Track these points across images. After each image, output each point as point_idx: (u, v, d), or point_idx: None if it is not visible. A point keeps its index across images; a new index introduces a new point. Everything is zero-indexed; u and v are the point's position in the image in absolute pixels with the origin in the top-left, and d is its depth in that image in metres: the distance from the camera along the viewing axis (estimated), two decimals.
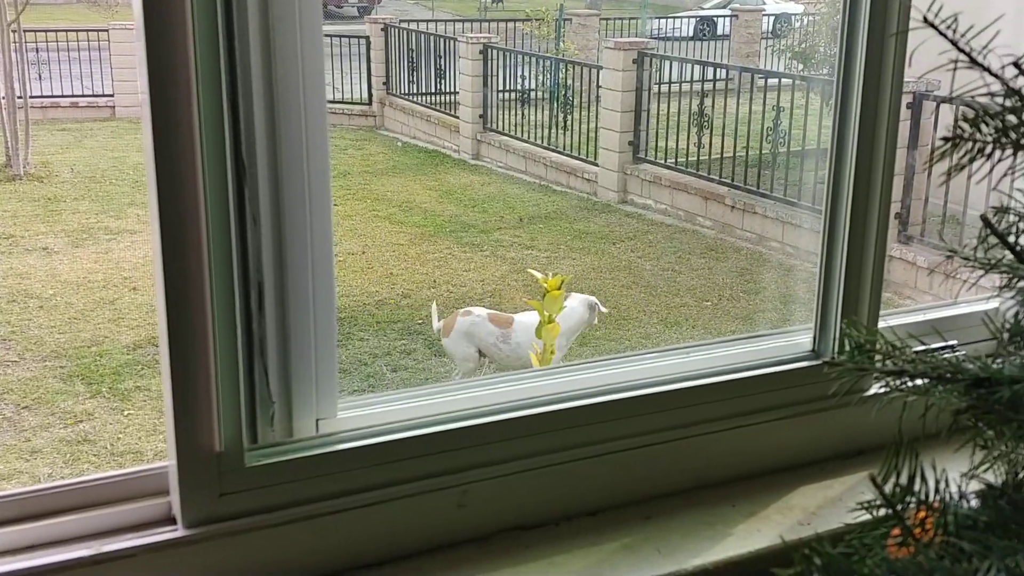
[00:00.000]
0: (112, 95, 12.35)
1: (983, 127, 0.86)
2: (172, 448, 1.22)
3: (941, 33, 0.88)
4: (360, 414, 1.32)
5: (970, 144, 0.86)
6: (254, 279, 1.22)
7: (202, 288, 1.17)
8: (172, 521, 1.25)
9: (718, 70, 9.92)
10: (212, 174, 1.16)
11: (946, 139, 0.88)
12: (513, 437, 1.38)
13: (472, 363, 5.38)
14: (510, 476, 1.37)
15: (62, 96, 12.45)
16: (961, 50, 0.88)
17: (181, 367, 1.19)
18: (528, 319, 4.82)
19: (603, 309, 5.72)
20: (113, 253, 7.68)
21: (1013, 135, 0.87)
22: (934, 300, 6.51)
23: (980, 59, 0.89)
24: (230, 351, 1.21)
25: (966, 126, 0.86)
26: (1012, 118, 0.88)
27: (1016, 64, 0.94)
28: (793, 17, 14.37)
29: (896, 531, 0.94)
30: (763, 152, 8.59)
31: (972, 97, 0.92)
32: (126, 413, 5.38)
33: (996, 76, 0.89)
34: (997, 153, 0.87)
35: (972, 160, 0.87)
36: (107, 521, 1.25)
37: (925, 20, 0.88)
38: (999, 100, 0.89)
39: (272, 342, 1.25)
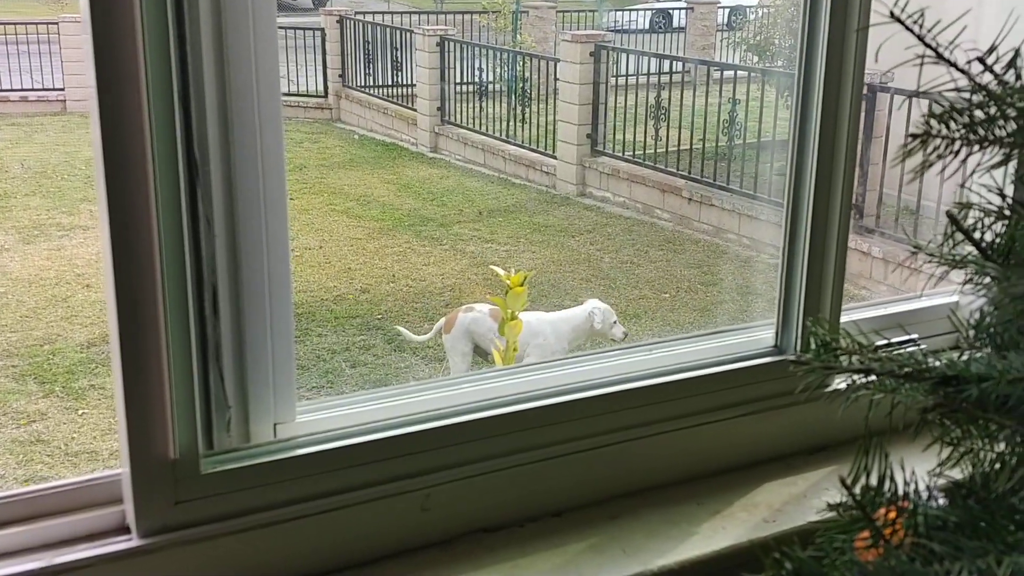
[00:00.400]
0: (63, 89, 12.14)
1: (951, 124, 0.85)
2: (125, 455, 1.19)
3: (908, 28, 0.87)
4: (319, 417, 1.30)
5: (938, 141, 0.85)
6: (208, 281, 1.19)
7: (154, 291, 1.13)
8: (126, 530, 1.21)
9: (674, 63, 9.94)
10: (163, 173, 1.13)
11: (915, 136, 0.87)
12: (476, 439, 1.36)
13: (468, 360, 5.31)
14: (473, 478, 1.35)
15: (11, 90, 12.21)
16: (928, 45, 0.87)
17: (133, 372, 1.15)
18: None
19: (616, 333, 5.45)
20: (65, 250, 7.55)
21: (981, 131, 0.86)
22: (889, 290, 6.59)
23: (947, 54, 0.88)
24: (184, 355, 1.18)
25: (935, 123, 0.85)
26: (980, 114, 0.88)
27: (981, 60, 0.93)
28: (748, 10, 14.45)
29: (865, 533, 0.93)
30: (719, 144, 8.63)
31: (940, 93, 0.92)
32: (80, 412, 5.29)
33: (963, 72, 0.88)
34: (965, 150, 0.86)
35: (941, 157, 0.86)
36: (58, 531, 1.21)
37: (892, 15, 0.87)
38: (966, 96, 0.88)
39: (227, 345, 1.22)
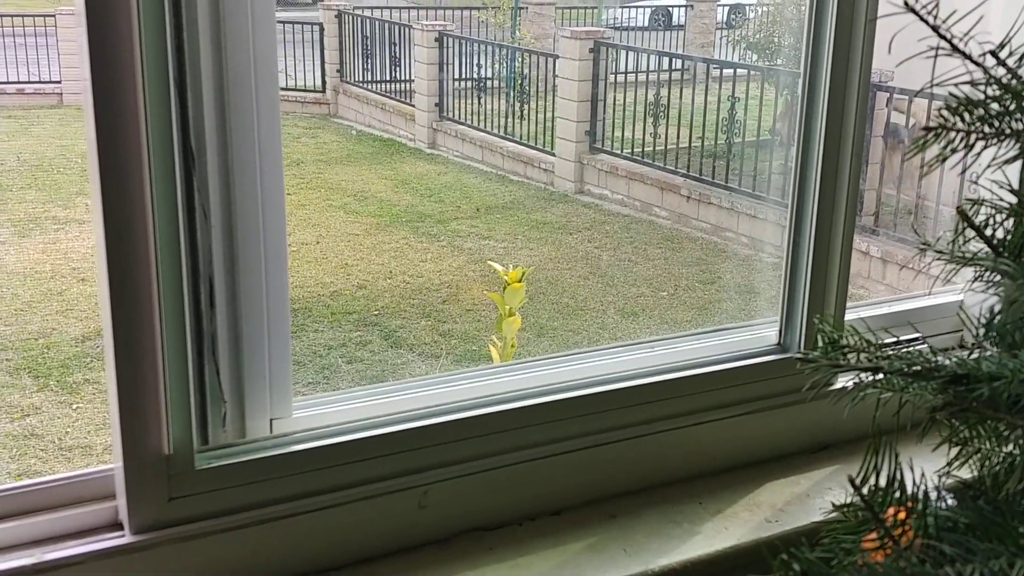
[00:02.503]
0: (59, 82, 12.10)
1: (966, 116, 0.83)
2: (119, 450, 1.16)
3: (923, 19, 0.85)
4: (316, 413, 1.28)
5: (952, 134, 0.83)
6: (204, 274, 1.17)
7: (149, 284, 1.11)
8: (119, 526, 1.19)
9: (674, 60, 9.92)
10: (159, 164, 1.10)
11: (928, 129, 0.85)
12: (474, 436, 1.34)
13: None
14: (471, 476, 1.33)
15: (7, 83, 12.16)
16: (943, 37, 0.85)
17: (127, 366, 1.13)
18: None
19: None
20: (61, 243, 7.52)
21: (996, 124, 0.84)
22: (887, 290, 6.57)
23: (962, 46, 0.86)
24: (179, 349, 1.15)
25: (949, 115, 0.83)
26: (995, 107, 0.86)
27: (994, 53, 0.91)
28: (747, 8, 14.42)
29: (873, 534, 0.91)
30: (718, 142, 8.61)
31: (956, 86, 0.90)
32: (75, 407, 5.26)
33: (978, 64, 0.86)
34: (980, 144, 0.84)
35: (955, 151, 0.84)
36: (50, 527, 1.19)
37: (906, 5, 0.85)
38: (981, 88, 0.86)
39: (223, 340, 1.20)
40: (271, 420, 1.24)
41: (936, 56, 0.89)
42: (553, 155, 9.71)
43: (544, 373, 1.45)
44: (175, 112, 1.11)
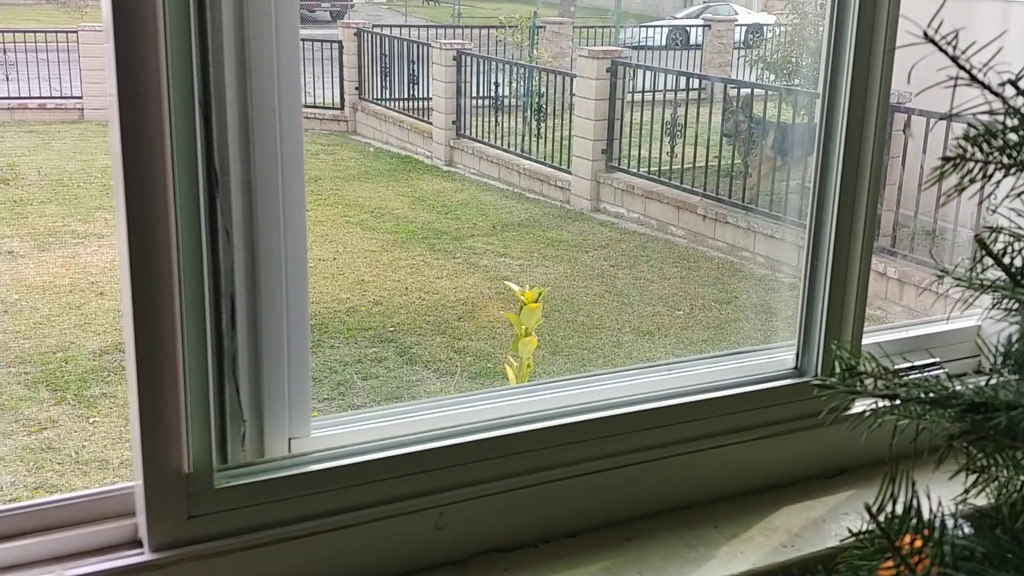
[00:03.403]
0: (81, 97, 12.20)
1: (984, 147, 0.83)
2: (139, 468, 1.17)
3: (942, 49, 0.86)
4: (334, 433, 1.28)
5: (971, 164, 0.84)
6: (226, 293, 1.18)
7: (171, 302, 1.13)
8: (138, 544, 1.20)
9: (691, 80, 9.94)
10: (183, 185, 1.12)
11: (946, 159, 0.85)
12: (491, 457, 1.34)
13: None
14: (488, 497, 1.33)
15: (30, 98, 12.28)
16: (962, 67, 0.86)
17: (149, 383, 1.14)
18: None
19: None
20: (80, 257, 7.57)
21: (1014, 155, 0.85)
22: (904, 311, 6.54)
23: (981, 77, 0.86)
24: (200, 368, 1.17)
25: (968, 145, 0.83)
26: (1014, 136, 0.86)
27: (1013, 83, 0.91)
28: (765, 28, 14.44)
29: (889, 562, 0.91)
30: (735, 162, 8.61)
31: (964, 115, 0.90)
32: (92, 420, 5.29)
33: (997, 94, 0.87)
34: (998, 174, 0.85)
35: (973, 180, 0.85)
36: (71, 544, 1.20)
37: (926, 36, 0.86)
38: (999, 119, 0.87)
39: (244, 359, 1.21)
40: (289, 439, 1.25)
41: (955, 86, 0.90)
42: (569, 173, 9.73)
43: (561, 395, 1.45)
44: (199, 133, 1.13)
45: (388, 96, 12.30)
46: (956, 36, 0.87)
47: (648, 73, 10.84)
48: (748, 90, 9.24)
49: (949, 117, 0.91)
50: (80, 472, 4.81)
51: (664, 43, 15.60)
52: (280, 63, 1.17)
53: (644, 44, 15.47)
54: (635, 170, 9.37)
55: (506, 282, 5.25)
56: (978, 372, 1.76)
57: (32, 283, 7.06)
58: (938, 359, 1.64)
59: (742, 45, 14.39)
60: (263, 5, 1.14)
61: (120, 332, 6.04)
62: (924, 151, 6.43)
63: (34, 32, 12.96)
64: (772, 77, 10.69)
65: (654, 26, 16.37)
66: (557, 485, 1.39)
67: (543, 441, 1.38)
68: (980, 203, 0.96)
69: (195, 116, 1.12)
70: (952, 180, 0.89)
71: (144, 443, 1.15)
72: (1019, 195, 0.91)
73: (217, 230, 1.16)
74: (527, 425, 1.38)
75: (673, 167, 9.07)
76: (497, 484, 1.34)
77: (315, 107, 12.29)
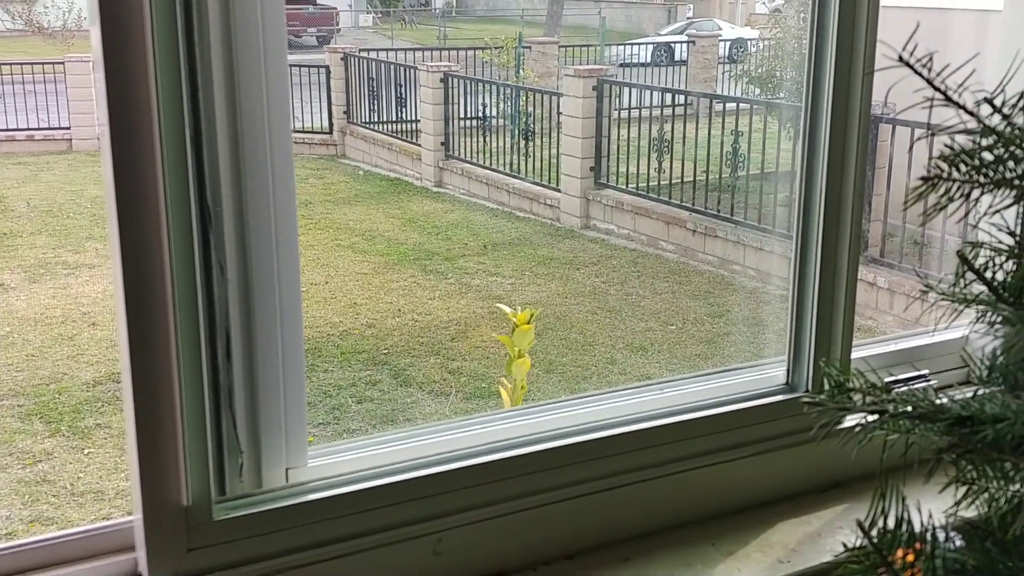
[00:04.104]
0: (69, 127, 12.21)
1: (961, 167, 0.85)
2: (138, 502, 1.18)
3: (917, 72, 0.88)
4: (330, 462, 1.29)
5: (948, 184, 0.86)
6: (221, 327, 1.19)
7: (167, 338, 1.14)
8: None
9: (677, 96, 9.99)
10: (176, 217, 1.13)
11: (924, 179, 0.87)
12: (487, 481, 1.35)
13: None
14: (486, 522, 1.34)
15: (18, 129, 12.29)
16: (937, 89, 0.88)
17: (146, 418, 1.15)
18: None
19: None
20: (71, 288, 7.56)
21: (990, 173, 0.87)
22: (895, 320, 6.57)
23: (956, 97, 0.88)
24: (197, 401, 1.18)
25: (944, 165, 0.85)
26: (988, 156, 0.88)
27: (989, 101, 0.93)
28: (749, 42, 14.53)
29: None
30: (723, 176, 8.65)
31: (945, 132, 0.92)
32: (86, 452, 5.27)
33: (972, 114, 0.89)
34: (975, 192, 0.87)
35: (952, 199, 0.86)
36: None
37: (900, 59, 0.88)
38: (974, 138, 0.89)
39: (240, 391, 1.22)
40: (287, 469, 1.26)
41: (931, 106, 0.92)
42: (559, 191, 9.76)
43: (555, 417, 1.46)
44: (191, 165, 1.14)
45: (376, 119, 12.34)
46: (931, 58, 0.89)
47: (634, 90, 10.90)
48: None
49: (930, 135, 0.93)
50: (76, 504, 4.80)
51: (649, 60, 15.68)
52: (269, 93, 1.18)
53: (630, 62, 15.55)
54: (624, 187, 9.40)
55: (498, 304, 5.26)
56: (967, 383, 1.77)
57: (24, 315, 7.05)
58: (926, 371, 1.66)
59: (727, 60, 14.47)
60: (251, 35, 1.15)
61: (113, 361, 6.03)
62: (909, 163, 6.47)
63: (20, 64, 12.97)
64: (757, 91, 10.75)
65: (639, 43, 16.46)
66: (554, 508, 1.40)
67: (539, 464, 1.39)
68: (965, 215, 0.97)
69: (186, 147, 1.13)
70: (933, 198, 0.91)
71: (143, 477, 1.16)
72: (997, 212, 0.93)
73: (211, 265, 1.17)
74: (522, 448, 1.39)
75: (661, 183, 9.11)
76: (494, 508, 1.35)
77: (304, 132, 12.32)
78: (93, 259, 8.15)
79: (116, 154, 1.10)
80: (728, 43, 15.13)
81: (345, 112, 12.56)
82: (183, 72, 1.12)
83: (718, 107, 9.56)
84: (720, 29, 16.96)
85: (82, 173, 11.09)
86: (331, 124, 12.60)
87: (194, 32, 1.12)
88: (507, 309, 3.50)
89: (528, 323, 3.23)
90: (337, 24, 19.75)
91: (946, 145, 0.87)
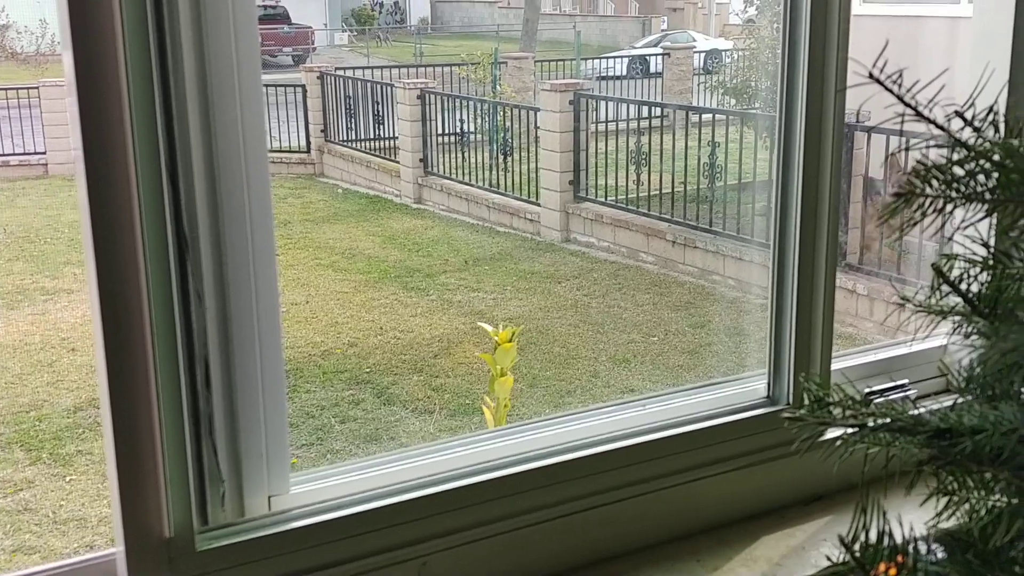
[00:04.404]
0: (44, 152, 12.14)
1: (933, 182, 0.86)
2: (119, 534, 1.17)
3: (887, 88, 0.88)
4: (313, 488, 1.29)
5: (921, 199, 0.86)
6: (200, 356, 1.19)
7: (146, 369, 1.13)
8: None
9: (653, 108, 10.04)
10: (152, 244, 1.13)
11: (897, 195, 0.88)
12: (471, 504, 1.35)
13: None
14: (471, 544, 1.34)
15: None
16: (908, 104, 0.89)
17: (126, 450, 1.15)
18: None
19: None
20: (50, 314, 7.51)
21: (962, 188, 0.87)
22: (875, 327, 6.60)
23: (926, 113, 0.89)
24: (177, 431, 1.17)
25: (917, 181, 0.86)
26: (959, 170, 0.89)
27: (959, 114, 0.94)
28: (724, 53, 14.62)
29: None
30: (701, 187, 8.69)
31: (918, 147, 0.93)
32: (68, 479, 5.23)
33: (943, 129, 0.90)
34: (948, 207, 0.87)
35: (925, 214, 0.87)
36: None
37: (871, 76, 0.88)
38: (946, 153, 0.90)
39: (220, 419, 1.22)
40: (269, 497, 1.26)
41: (903, 121, 0.93)
42: (538, 205, 9.78)
43: (538, 436, 1.46)
44: (167, 191, 1.13)
45: (354, 137, 12.33)
46: (900, 75, 0.90)
47: (611, 103, 10.95)
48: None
49: (904, 150, 0.94)
50: (58, 532, 4.76)
51: (625, 73, 15.76)
52: (244, 116, 1.18)
53: (606, 75, 15.62)
54: (603, 199, 9.43)
55: (480, 323, 5.25)
56: (947, 391, 1.78)
57: (2, 342, 6.99)
58: (906, 381, 1.67)
59: (702, 71, 14.55)
60: (224, 57, 1.15)
61: (94, 387, 5.99)
62: (886, 173, 6.52)
63: None
64: (733, 102, 10.82)
65: (614, 57, 16.54)
66: (539, 528, 1.40)
67: (523, 485, 1.39)
68: (940, 228, 0.98)
69: (161, 172, 1.13)
70: (907, 213, 0.92)
71: (124, 509, 1.15)
72: (970, 225, 0.94)
73: (189, 293, 1.17)
74: (506, 469, 1.39)
75: (640, 195, 9.14)
76: (479, 531, 1.35)
77: (281, 151, 12.30)
78: (71, 284, 8.10)
79: (91, 180, 1.09)
80: (703, 54, 15.21)
81: (322, 131, 12.55)
82: (157, 96, 1.11)
83: (694, 118, 9.61)
84: (694, 41, 17.06)
85: (59, 198, 11.03)
86: (309, 143, 12.59)
87: (167, 55, 1.12)
88: (488, 328, 3.50)
89: (510, 341, 3.23)
90: (313, 43, 19.75)
91: (918, 161, 0.88)
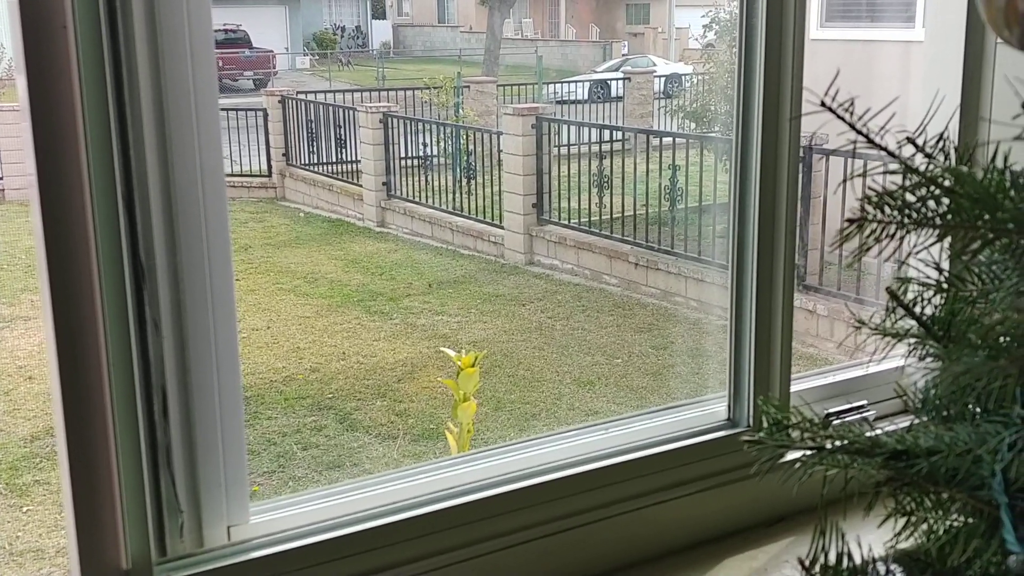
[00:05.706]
0: (1, 178, 11.99)
1: (886, 208, 0.87)
2: (76, 567, 1.16)
3: (839, 117, 0.90)
4: (273, 518, 1.28)
5: (874, 225, 0.88)
6: (157, 385, 1.18)
7: (103, 399, 1.12)
8: None
9: (614, 132, 10.12)
10: (108, 273, 1.12)
11: (851, 220, 0.89)
12: (434, 531, 1.34)
13: None
14: (433, 572, 1.33)
15: None
16: (860, 132, 0.90)
17: (82, 481, 1.13)
18: None
19: None
20: (6, 342, 7.39)
21: (914, 214, 0.89)
22: (835, 347, 6.67)
23: (878, 140, 0.91)
24: (134, 462, 1.16)
25: (870, 208, 0.87)
26: (911, 197, 0.90)
27: (911, 140, 0.96)
28: (684, 78, 14.76)
29: None
30: (662, 210, 8.75)
31: (874, 179, 0.94)
32: (25, 510, 5.14)
33: (894, 156, 0.91)
34: (900, 232, 0.89)
35: (878, 240, 0.88)
36: None
37: (823, 104, 0.90)
38: (898, 179, 0.91)
39: (178, 449, 1.20)
40: (228, 527, 1.24)
41: (855, 148, 0.94)
42: (502, 228, 9.80)
43: (502, 462, 1.46)
44: (123, 218, 1.13)
45: (316, 161, 12.30)
46: (852, 103, 0.91)
47: (573, 127, 11.02)
48: None
49: (863, 175, 0.95)
50: (15, 563, 4.67)
51: (587, 97, 15.86)
52: (201, 142, 1.17)
53: (567, 99, 15.72)
54: (566, 222, 9.47)
55: (443, 348, 5.24)
56: (905, 411, 1.80)
57: None
58: (864, 402, 1.69)
59: (662, 95, 14.68)
60: (181, 83, 1.15)
61: (51, 416, 5.90)
62: (844, 195, 6.61)
63: None
64: (693, 125, 10.92)
65: (576, 81, 16.66)
66: (503, 553, 1.39)
67: (487, 511, 1.39)
68: (893, 252, 1.00)
69: (117, 199, 1.12)
70: (860, 239, 0.93)
71: (80, 541, 1.14)
72: (923, 249, 0.95)
73: (145, 322, 1.16)
74: (469, 496, 1.39)
75: (603, 217, 9.19)
76: (441, 558, 1.34)
77: (242, 175, 12.22)
78: (28, 311, 7.98)
79: (45, 206, 1.08)
80: (663, 79, 15.35)
81: (284, 155, 12.51)
82: (112, 121, 1.11)
83: (655, 142, 9.69)
84: (655, 65, 17.22)
85: (15, 223, 10.88)
86: (270, 167, 12.53)
87: (123, 80, 1.11)
88: (451, 352, 3.49)
89: (473, 366, 3.22)
90: (274, 67, 19.69)
91: (869, 188, 0.89)
